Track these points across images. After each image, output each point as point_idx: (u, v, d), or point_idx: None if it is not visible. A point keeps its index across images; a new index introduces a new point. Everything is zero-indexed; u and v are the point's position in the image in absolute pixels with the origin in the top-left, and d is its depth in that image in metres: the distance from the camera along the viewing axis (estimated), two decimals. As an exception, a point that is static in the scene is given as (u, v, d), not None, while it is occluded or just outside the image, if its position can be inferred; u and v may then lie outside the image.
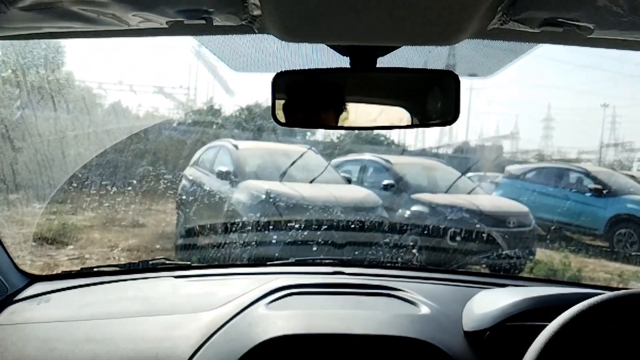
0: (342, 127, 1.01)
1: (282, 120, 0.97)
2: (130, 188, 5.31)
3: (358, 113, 1.00)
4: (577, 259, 6.14)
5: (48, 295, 1.34)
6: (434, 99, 0.99)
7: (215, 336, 1.11)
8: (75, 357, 1.06)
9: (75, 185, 4.76)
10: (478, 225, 5.59)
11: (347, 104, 0.99)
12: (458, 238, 5.50)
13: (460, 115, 0.94)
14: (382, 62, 0.96)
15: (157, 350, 1.08)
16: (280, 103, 0.97)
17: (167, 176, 5.64)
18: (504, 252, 5.42)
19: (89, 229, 5.03)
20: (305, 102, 0.99)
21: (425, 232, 5.45)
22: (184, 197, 5.47)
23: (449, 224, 5.68)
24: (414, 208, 6.05)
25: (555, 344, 0.84)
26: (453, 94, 0.93)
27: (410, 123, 1.01)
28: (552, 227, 6.95)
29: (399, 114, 1.02)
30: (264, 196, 4.69)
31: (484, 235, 5.52)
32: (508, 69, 1.19)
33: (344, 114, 0.99)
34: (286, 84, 0.96)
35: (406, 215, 6.01)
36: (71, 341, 1.11)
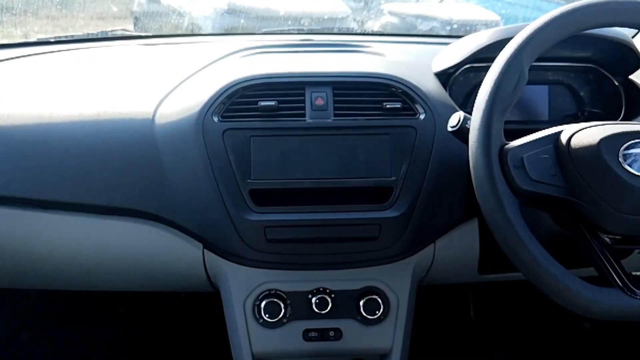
0: None
1: None
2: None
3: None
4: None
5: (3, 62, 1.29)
6: None
7: (190, 79, 1.11)
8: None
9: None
10: (448, 30, 5.49)
11: None
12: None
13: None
14: None
15: (128, 95, 1.09)
16: None
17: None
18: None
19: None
20: None
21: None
22: (140, 15, 5.13)
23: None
24: (384, 19, 5.85)
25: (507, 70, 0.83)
26: None
27: None
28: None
29: None
30: (226, 7, 4.43)
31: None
32: None
33: None
34: None
35: (376, 28, 5.82)
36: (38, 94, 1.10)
